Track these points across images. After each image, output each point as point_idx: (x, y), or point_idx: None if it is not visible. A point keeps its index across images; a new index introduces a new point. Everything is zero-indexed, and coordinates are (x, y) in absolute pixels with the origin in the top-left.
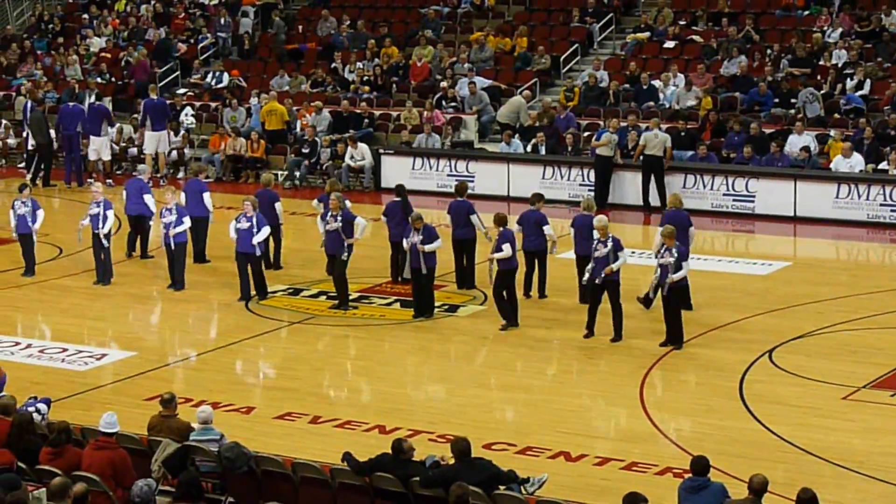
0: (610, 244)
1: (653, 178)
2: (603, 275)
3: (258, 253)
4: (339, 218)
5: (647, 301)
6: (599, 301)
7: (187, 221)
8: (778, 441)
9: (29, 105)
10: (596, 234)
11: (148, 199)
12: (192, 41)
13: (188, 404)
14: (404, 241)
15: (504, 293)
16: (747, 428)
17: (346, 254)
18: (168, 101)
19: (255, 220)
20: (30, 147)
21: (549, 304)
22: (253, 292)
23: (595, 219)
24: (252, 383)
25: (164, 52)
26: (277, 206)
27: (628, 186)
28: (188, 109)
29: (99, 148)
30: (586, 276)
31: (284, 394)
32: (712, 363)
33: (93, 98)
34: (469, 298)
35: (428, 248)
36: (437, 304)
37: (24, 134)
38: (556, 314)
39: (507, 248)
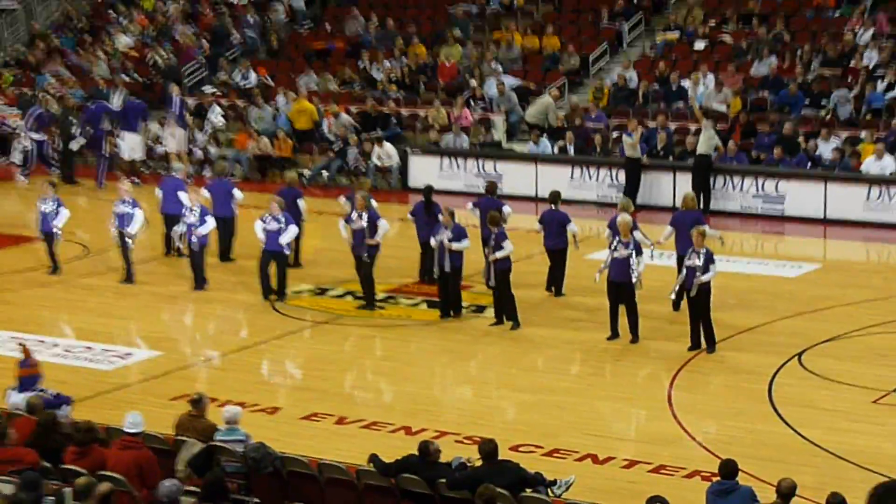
0: (632, 246)
1: (700, 179)
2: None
3: (287, 252)
4: (365, 217)
5: (675, 304)
6: (619, 302)
7: (211, 222)
8: (807, 445)
9: (39, 112)
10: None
11: (183, 196)
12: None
13: (214, 404)
14: (432, 239)
15: (510, 291)
16: (776, 431)
17: (365, 254)
18: (195, 101)
19: (282, 219)
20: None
21: (574, 303)
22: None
23: (618, 217)
24: (278, 383)
25: (222, 37)
26: (301, 203)
27: (657, 187)
28: (216, 108)
29: (134, 145)
30: (598, 274)
31: (310, 394)
32: (741, 366)
33: (121, 96)
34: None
35: (456, 246)
36: (464, 304)
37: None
38: (580, 314)
39: (508, 244)
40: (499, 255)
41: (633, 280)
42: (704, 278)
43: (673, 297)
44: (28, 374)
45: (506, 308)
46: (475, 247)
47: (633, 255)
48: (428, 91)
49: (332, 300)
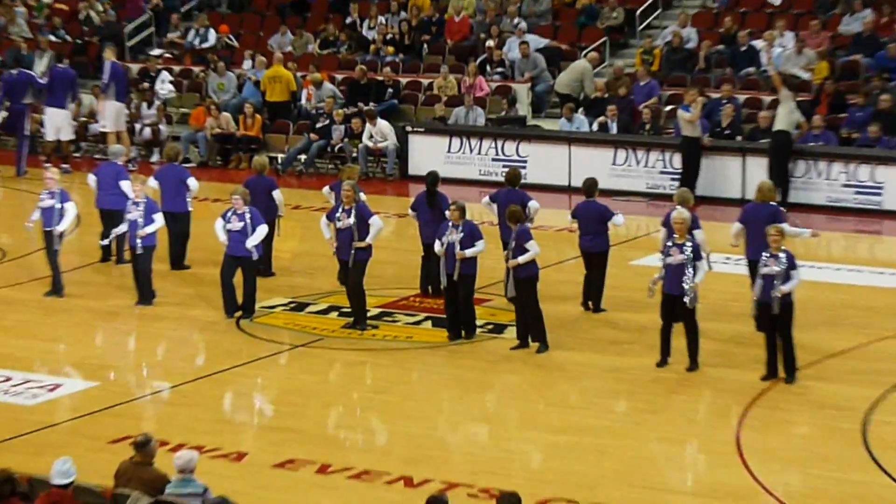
0: (689, 249)
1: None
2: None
3: (255, 257)
4: (353, 213)
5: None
6: (673, 319)
7: (159, 219)
8: None
9: None
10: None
11: (125, 187)
12: None
13: (164, 448)
14: (437, 240)
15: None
16: (873, 482)
17: (352, 259)
18: (144, 66)
19: (248, 217)
20: None
21: (617, 321)
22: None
23: (674, 213)
24: (244, 422)
25: None
26: (276, 195)
27: (722, 174)
28: (165, 75)
29: (60, 124)
30: (651, 286)
31: (285, 436)
32: (829, 400)
33: (46, 62)
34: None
35: (469, 252)
36: (478, 322)
37: None
38: (625, 334)
39: (533, 246)
40: (522, 259)
41: (686, 292)
42: (785, 289)
43: (754, 313)
44: None
45: (531, 326)
46: (492, 250)
47: (691, 260)
48: (433, 54)
49: (312, 317)
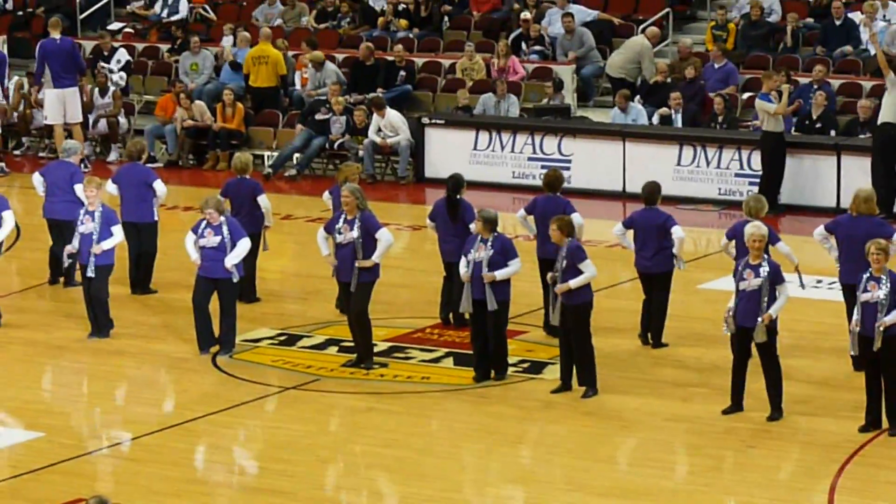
0: (767, 271)
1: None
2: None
3: (235, 279)
4: (357, 224)
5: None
6: (747, 356)
7: (118, 232)
8: None
9: None
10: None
11: (78, 191)
12: None
13: None
14: (461, 260)
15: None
16: None
17: (355, 281)
18: (99, 41)
19: (226, 230)
20: None
21: (680, 358)
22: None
23: (747, 226)
24: (222, 482)
25: None
26: (262, 201)
27: (811, 177)
28: (122, 53)
29: None
30: (727, 318)
31: (272, 499)
32: None
33: None
34: (556, 354)
35: (500, 274)
36: (511, 360)
37: None
38: (690, 375)
39: (589, 267)
40: (574, 283)
41: (758, 322)
42: (889, 320)
43: (852, 352)
44: None
45: (579, 365)
46: (528, 270)
47: (768, 284)
48: (455, 29)
49: (306, 353)
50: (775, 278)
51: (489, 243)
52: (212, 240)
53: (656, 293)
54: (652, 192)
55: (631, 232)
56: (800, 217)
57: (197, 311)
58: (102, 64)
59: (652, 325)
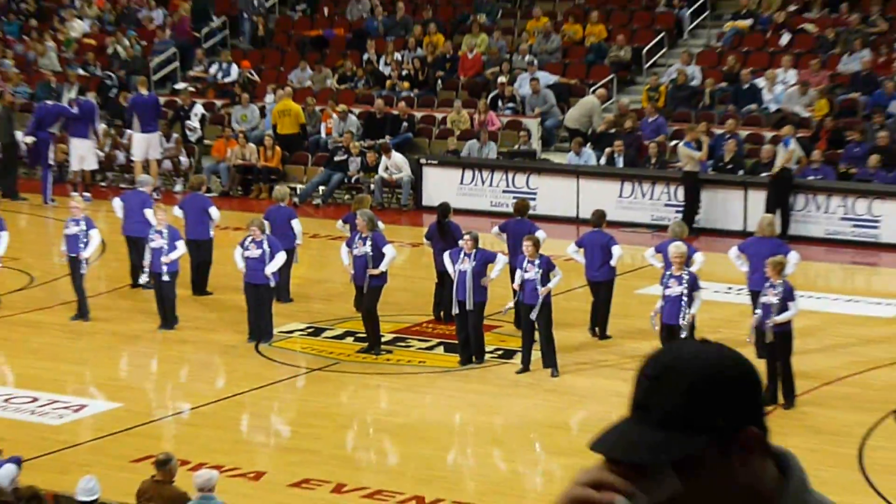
0: (686, 280)
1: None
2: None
3: (272, 284)
4: (369, 242)
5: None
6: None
7: (181, 247)
8: None
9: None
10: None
11: (149, 214)
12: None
13: (185, 467)
14: (449, 267)
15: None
16: None
17: (366, 285)
18: (171, 98)
19: (266, 245)
20: None
21: (622, 348)
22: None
23: (671, 246)
24: (262, 443)
25: (203, 15)
26: (295, 223)
27: (723, 206)
28: (198, 108)
29: (84, 154)
30: (654, 317)
31: (302, 456)
32: (826, 425)
33: (73, 93)
34: None
35: (493, 275)
36: (488, 348)
37: None
38: (630, 361)
39: (558, 273)
40: (551, 286)
41: (681, 322)
42: (781, 318)
43: (749, 340)
44: None
45: (546, 352)
46: (501, 278)
47: (688, 292)
48: (447, 89)
49: (328, 342)
50: (693, 286)
51: (472, 257)
52: (255, 252)
53: (602, 296)
54: (598, 217)
55: (582, 249)
56: (714, 238)
57: (250, 308)
58: (187, 124)
59: (599, 321)
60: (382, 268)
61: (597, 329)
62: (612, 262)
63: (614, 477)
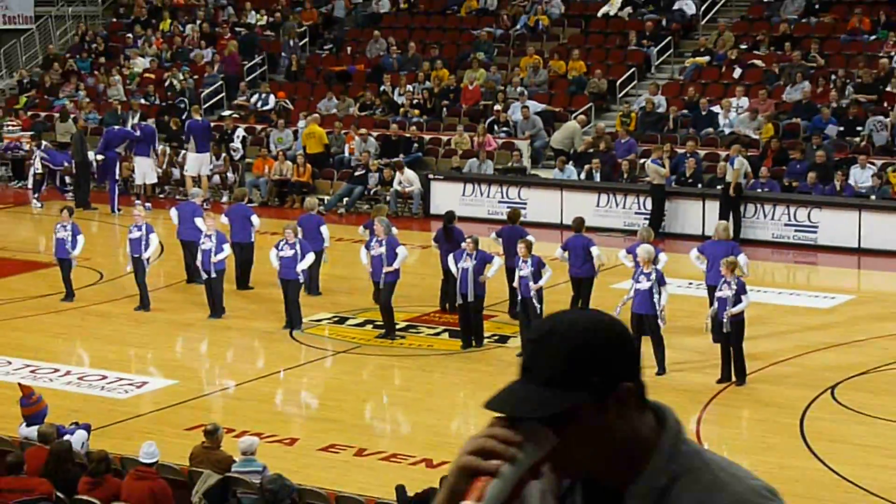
0: (654, 276)
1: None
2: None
3: (301, 280)
4: (384, 243)
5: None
6: (641, 333)
7: (227, 249)
8: (841, 481)
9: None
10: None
11: (198, 220)
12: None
13: (230, 434)
14: (452, 265)
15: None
16: (808, 467)
17: (384, 280)
18: (218, 123)
19: (298, 246)
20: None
21: None
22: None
23: (639, 248)
24: (295, 414)
25: (250, 47)
26: (323, 229)
27: (683, 214)
28: (240, 131)
29: (146, 170)
30: (619, 306)
31: (328, 425)
32: (772, 399)
33: (136, 119)
34: (517, 330)
35: (490, 274)
36: (486, 334)
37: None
38: None
39: (548, 271)
40: (542, 281)
41: (658, 314)
42: (735, 310)
43: (706, 327)
44: (32, 413)
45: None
46: (497, 276)
47: (656, 286)
48: (451, 115)
49: (351, 329)
50: (660, 281)
51: (473, 256)
52: (288, 252)
53: (583, 291)
54: (579, 223)
55: (566, 252)
56: (676, 241)
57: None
58: (231, 145)
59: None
60: (395, 265)
61: None
62: (595, 261)
63: (497, 443)
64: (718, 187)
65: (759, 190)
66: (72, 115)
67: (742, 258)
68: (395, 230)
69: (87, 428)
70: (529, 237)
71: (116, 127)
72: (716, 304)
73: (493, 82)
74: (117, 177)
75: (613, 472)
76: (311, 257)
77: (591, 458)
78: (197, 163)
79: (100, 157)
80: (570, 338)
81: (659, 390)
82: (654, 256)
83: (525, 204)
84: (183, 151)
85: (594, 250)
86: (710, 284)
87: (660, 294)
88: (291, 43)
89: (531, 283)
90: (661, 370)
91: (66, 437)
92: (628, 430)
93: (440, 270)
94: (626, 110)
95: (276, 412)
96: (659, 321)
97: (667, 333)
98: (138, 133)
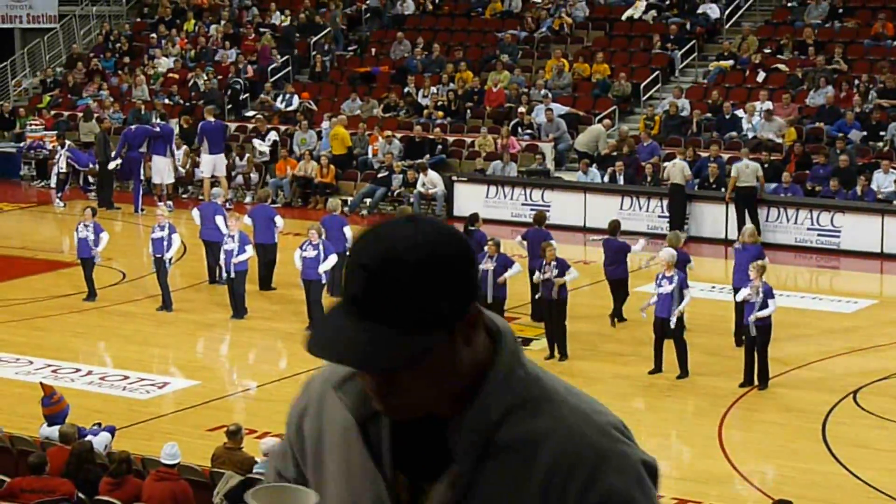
0: (676, 280)
1: (746, 210)
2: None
3: (324, 280)
4: None
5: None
6: (664, 336)
7: (249, 250)
8: (862, 486)
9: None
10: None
11: (219, 220)
12: (261, 63)
13: (252, 436)
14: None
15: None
16: (830, 472)
17: None
18: (243, 123)
19: (321, 247)
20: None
21: (620, 337)
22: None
23: (662, 251)
24: None
25: (288, 42)
26: (346, 230)
27: (706, 218)
28: (273, 134)
29: (162, 169)
30: (643, 311)
31: None
32: (794, 404)
33: (156, 119)
34: (541, 332)
35: (508, 275)
36: None
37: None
38: (628, 348)
39: (573, 272)
40: (567, 278)
41: (673, 316)
42: (762, 314)
43: (736, 331)
44: (53, 413)
45: (560, 341)
46: (518, 278)
47: (677, 290)
48: (474, 118)
49: None
50: (682, 285)
51: (494, 258)
52: (311, 253)
53: (618, 292)
54: (614, 227)
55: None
56: (701, 245)
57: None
58: (255, 141)
59: (615, 309)
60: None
61: (615, 319)
62: (640, 259)
63: None
64: (722, 189)
65: (782, 194)
66: (96, 115)
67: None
68: None
69: (112, 431)
70: (553, 241)
71: (133, 126)
72: (742, 309)
73: (517, 84)
74: (141, 176)
75: (443, 403)
76: (333, 258)
77: (426, 393)
78: (210, 164)
79: (114, 163)
80: (413, 265)
81: (681, 394)
82: (675, 260)
83: (549, 206)
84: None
85: (637, 245)
86: (737, 286)
87: (682, 298)
88: (326, 46)
89: (564, 278)
90: (684, 373)
91: (89, 437)
92: (471, 355)
93: None
94: (650, 113)
95: None
96: (672, 318)
97: (689, 336)
98: (157, 129)
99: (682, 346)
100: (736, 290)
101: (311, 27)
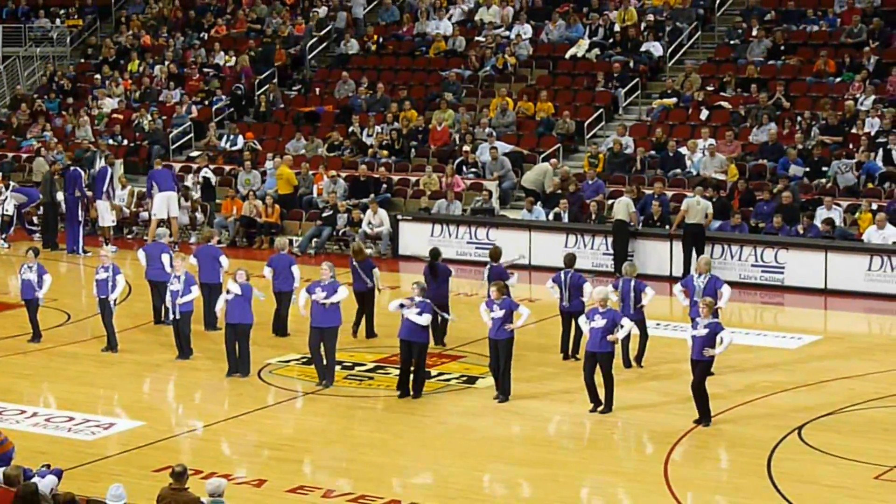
0: (609, 315)
1: (694, 248)
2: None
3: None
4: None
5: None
6: (594, 371)
7: (195, 290)
8: None
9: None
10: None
11: (165, 260)
12: (206, 103)
13: (198, 476)
14: (483, 312)
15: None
16: None
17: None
18: (187, 164)
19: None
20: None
21: (572, 372)
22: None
23: (595, 290)
24: (263, 455)
25: (266, 60)
26: (294, 269)
27: (650, 254)
28: (206, 171)
29: (103, 212)
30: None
31: (297, 466)
32: (739, 439)
33: (102, 160)
34: (486, 371)
35: (520, 323)
36: (456, 375)
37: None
38: (576, 385)
39: (524, 311)
40: (519, 323)
41: (612, 350)
42: (716, 352)
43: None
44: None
45: (503, 379)
46: (467, 316)
47: (611, 324)
48: (419, 156)
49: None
50: (615, 319)
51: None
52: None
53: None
54: (571, 260)
55: (556, 285)
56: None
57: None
58: (187, 183)
59: (573, 344)
60: (333, 299)
61: (570, 351)
62: (586, 297)
63: None
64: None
65: (728, 231)
66: (43, 157)
67: (726, 290)
68: (377, 272)
69: (59, 473)
70: (510, 279)
71: (72, 168)
72: (691, 343)
73: (464, 122)
74: (80, 218)
75: None
76: (343, 292)
77: None
78: (163, 202)
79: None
80: None
81: (626, 431)
82: (608, 297)
83: (493, 244)
84: (148, 199)
85: (586, 287)
86: (693, 317)
87: (617, 329)
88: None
89: (515, 324)
90: (608, 408)
91: (36, 479)
92: None
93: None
94: (594, 151)
95: (244, 453)
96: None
97: (633, 374)
98: (95, 173)
99: (609, 381)
100: (693, 321)
101: (256, 67)
